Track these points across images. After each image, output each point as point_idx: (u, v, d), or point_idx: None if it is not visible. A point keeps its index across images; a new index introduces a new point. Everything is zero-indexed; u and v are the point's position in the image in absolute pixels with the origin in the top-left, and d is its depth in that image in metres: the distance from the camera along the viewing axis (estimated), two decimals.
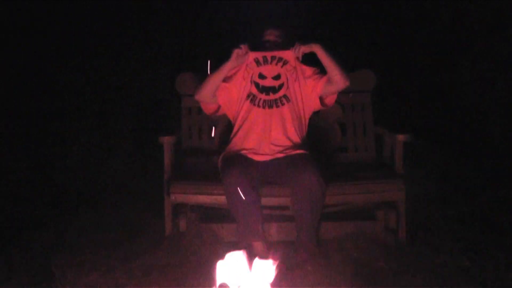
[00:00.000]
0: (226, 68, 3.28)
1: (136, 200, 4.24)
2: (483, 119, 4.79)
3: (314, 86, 3.36)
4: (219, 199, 3.18)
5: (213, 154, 3.62)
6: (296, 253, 3.09)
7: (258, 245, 3.10)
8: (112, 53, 4.96)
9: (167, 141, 3.45)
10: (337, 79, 3.24)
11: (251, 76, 3.37)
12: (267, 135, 3.29)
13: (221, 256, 2.39)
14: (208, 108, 3.49)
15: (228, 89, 3.38)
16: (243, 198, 3.01)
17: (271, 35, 3.37)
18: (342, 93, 3.73)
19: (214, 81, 3.31)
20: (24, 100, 4.91)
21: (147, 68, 4.94)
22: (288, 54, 3.33)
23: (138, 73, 4.96)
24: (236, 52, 3.26)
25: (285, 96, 3.31)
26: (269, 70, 3.35)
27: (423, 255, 3.17)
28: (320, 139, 3.60)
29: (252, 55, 3.35)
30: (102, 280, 2.88)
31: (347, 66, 3.31)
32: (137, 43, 4.96)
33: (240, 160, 3.18)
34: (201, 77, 3.71)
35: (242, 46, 3.27)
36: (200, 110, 3.77)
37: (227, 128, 3.66)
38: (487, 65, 4.74)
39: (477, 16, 4.70)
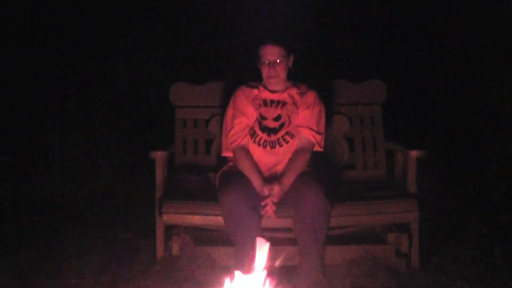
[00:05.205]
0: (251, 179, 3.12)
1: (126, 221, 4.20)
2: (502, 134, 4.80)
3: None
4: (216, 220, 3.08)
5: (209, 171, 3.54)
6: (298, 279, 2.96)
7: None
8: (101, 62, 5.06)
9: (159, 156, 3.35)
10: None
11: (256, 111, 3.30)
12: (267, 169, 3.20)
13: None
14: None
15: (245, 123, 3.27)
16: (242, 219, 2.92)
17: (272, 55, 3.18)
18: (349, 105, 3.74)
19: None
20: (11, 114, 4.93)
21: (139, 77, 5.05)
22: (286, 97, 3.28)
23: (129, 83, 5.11)
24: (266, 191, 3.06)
25: (287, 133, 3.23)
26: (270, 112, 3.27)
27: (438, 282, 3.09)
28: (325, 155, 3.51)
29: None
30: None
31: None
32: (129, 50, 5.13)
33: (239, 178, 3.10)
34: (196, 88, 3.75)
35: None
36: (195, 122, 3.75)
37: None
38: (506, 76, 4.81)
39: (492, 25, 4.73)
